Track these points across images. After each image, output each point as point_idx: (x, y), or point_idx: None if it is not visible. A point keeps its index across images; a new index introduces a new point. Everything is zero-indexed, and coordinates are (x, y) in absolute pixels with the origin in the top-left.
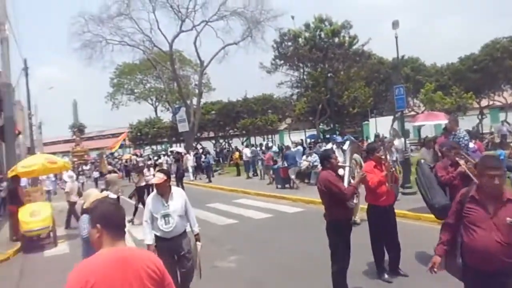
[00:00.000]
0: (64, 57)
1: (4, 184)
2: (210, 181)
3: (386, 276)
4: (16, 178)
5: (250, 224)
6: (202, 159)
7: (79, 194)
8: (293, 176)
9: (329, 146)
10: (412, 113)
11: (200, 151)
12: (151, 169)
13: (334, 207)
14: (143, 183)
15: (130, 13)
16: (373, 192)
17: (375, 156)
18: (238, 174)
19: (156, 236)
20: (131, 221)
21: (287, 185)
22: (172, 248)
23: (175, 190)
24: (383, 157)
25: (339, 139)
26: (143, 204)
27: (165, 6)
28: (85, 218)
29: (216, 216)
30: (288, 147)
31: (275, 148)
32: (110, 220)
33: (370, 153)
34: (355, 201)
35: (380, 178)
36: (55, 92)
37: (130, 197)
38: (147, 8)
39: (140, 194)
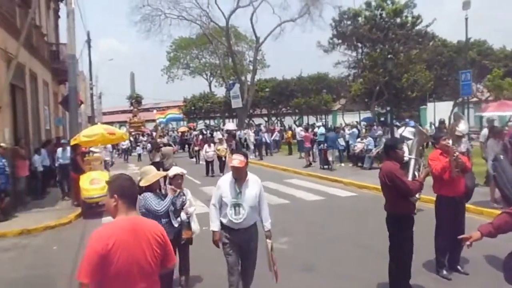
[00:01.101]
0: (123, 30)
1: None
2: (261, 158)
3: (445, 272)
4: (77, 147)
5: (302, 205)
6: (255, 137)
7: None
8: (330, 158)
9: (401, 130)
10: (475, 99)
11: (263, 128)
12: (212, 145)
13: (396, 200)
14: (157, 159)
15: None
16: (438, 181)
17: (440, 144)
18: (290, 153)
19: (222, 223)
20: None
21: (326, 167)
22: (238, 240)
23: (251, 177)
24: (449, 144)
25: (411, 123)
26: None
27: None
28: (148, 195)
29: (267, 195)
30: (336, 129)
31: (322, 129)
32: (125, 192)
33: (436, 142)
34: (417, 196)
35: (444, 164)
36: (114, 63)
37: None
38: None
39: None
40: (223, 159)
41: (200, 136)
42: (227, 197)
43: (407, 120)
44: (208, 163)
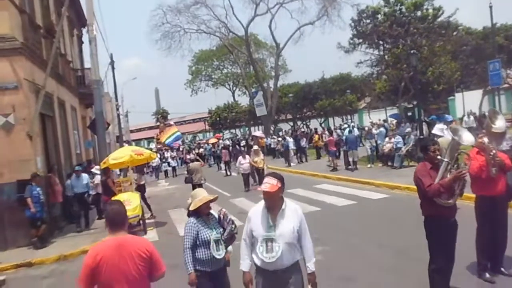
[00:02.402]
0: (145, 48)
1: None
2: (289, 165)
3: (487, 275)
4: (107, 170)
5: (333, 211)
6: (282, 142)
7: None
8: (351, 159)
9: (439, 127)
10: (506, 85)
11: (299, 132)
12: (247, 156)
13: (423, 202)
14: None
15: (206, 1)
16: (475, 180)
17: (477, 143)
18: (318, 157)
19: (255, 263)
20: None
21: (350, 167)
22: (274, 284)
23: (290, 205)
24: (484, 141)
25: (449, 118)
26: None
27: None
28: (191, 222)
29: (297, 202)
30: (363, 129)
31: (346, 131)
32: (110, 219)
33: None
34: (450, 200)
35: (480, 163)
36: (138, 81)
37: None
38: None
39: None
40: (262, 171)
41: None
42: (258, 231)
43: (444, 116)
44: (245, 175)
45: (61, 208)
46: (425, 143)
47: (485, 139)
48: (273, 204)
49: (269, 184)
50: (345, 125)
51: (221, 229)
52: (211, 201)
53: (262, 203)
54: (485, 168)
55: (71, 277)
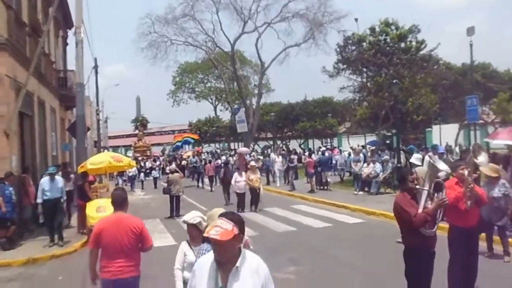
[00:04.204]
0: (130, 55)
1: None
2: (268, 183)
3: None
4: (84, 174)
5: (309, 232)
6: (262, 160)
7: None
8: (324, 180)
9: (417, 156)
10: (481, 121)
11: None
12: (243, 173)
13: (407, 233)
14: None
15: (194, 14)
16: (451, 210)
17: (457, 173)
18: (296, 177)
19: None
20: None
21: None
22: None
23: (249, 262)
24: (465, 173)
25: (441, 149)
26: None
27: (228, 7)
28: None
29: (274, 222)
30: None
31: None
32: (113, 200)
33: (453, 170)
34: (433, 229)
35: (457, 194)
36: (120, 88)
37: None
38: (211, 9)
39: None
40: (258, 191)
41: (210, 164)
42: None
43: (436, 145)
44: (240, 195)
45: (32, 211)
46: (403, 173)
47: (466, 171)
48: (225, 257)
49: (220, 229)
50: (324, 148)
51: None
52: None
53: (210, 255)
54: (461, 200)
55: (40, 281)
